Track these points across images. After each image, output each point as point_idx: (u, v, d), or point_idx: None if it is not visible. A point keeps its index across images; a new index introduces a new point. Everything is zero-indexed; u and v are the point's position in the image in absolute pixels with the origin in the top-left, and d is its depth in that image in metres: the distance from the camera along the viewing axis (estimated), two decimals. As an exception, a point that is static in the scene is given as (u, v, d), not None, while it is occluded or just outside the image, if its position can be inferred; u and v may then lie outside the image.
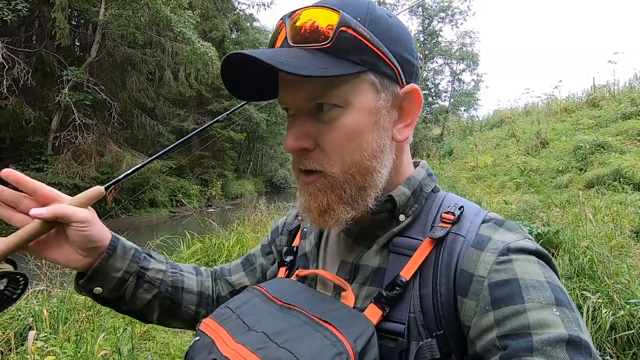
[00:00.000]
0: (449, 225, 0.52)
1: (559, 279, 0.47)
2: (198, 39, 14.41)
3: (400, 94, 0.52)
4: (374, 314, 0.49)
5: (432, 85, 25.77)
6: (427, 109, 24.73)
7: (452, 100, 25.21)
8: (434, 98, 25.87)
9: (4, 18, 10.56)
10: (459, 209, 0.54)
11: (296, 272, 0.62)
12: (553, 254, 3.47)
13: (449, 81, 25.79)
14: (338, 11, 0.47)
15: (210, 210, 16.85)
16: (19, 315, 3.11)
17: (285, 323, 0.47)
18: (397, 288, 0.49)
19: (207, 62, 14.76)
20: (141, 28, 14.14)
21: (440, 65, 25.55)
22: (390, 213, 0.55)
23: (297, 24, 0.49)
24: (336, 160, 0.50)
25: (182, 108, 20.58)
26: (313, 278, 0.61)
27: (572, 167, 7.81)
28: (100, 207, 14.66)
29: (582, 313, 2.50)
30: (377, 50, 0.48)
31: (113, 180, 0.65)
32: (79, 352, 2.55)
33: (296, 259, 0.66)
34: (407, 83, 0.53)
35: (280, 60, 0.44)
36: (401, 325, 0.48)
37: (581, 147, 8.03)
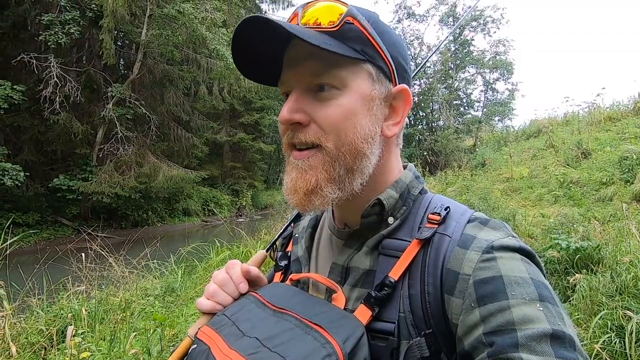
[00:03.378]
0: (436, 226, 0.53)
1: (544, 275, 0.47)
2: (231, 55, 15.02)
3: (393, 91, 0.56)
4: (363, 314, 0.50)
5: (464, 95, 25.15)
6: (459, 119, 24.09)
7: (485, 110, 24.44)
8: (466, 108, 25.20)
9: (59, 41, 11.60)
10: (445, 209, 0.55)
11: (290, 277, 0.64)
12: (593, 270, 3.26)
13: (481, 91, 25.04)
14: (347, 4, 0.52)
15: (240, 219, 17.25)
16: (62, 314, 3.32)
17: (278, 327, 0.48)
18: (386, 288, 0.50)
19: (239, 76, 15.33)
20: (179, 46, 14.99)
21: (473, 75, 24.92)
22: (379, 216, 0.56)
23: (309, 11, 0.53)
24: (331, 135, 0.52)
25: (215, 121, 21.42)
26: (305, 281, 0.62)
27: (616, 179, 7.31)
28: (138, 215, 15.44)
29: (624, 334, 2.32)
30: (376, 46, 0.53)
31: (270, 243, 0.76)
32: (113, 350, 2.69)
33: (290, 263, 0.68)
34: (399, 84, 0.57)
35: (292, 28, 0.48)
36: (391, 324, 0.49)
37: (627, 157, 7.51)
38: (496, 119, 24.18)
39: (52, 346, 2.93)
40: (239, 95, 18.28)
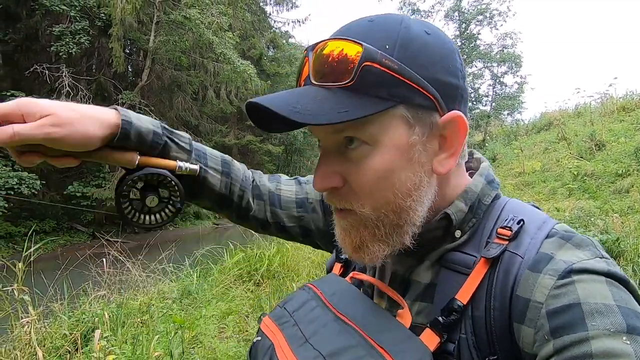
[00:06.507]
0: (505, 242, 0.46)
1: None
2: (238, 58, 15.16)
3: (440, 123, 0.47)
4: (431, 340, 0.45)
5: (472, 90, 24.90)
6: (468, 114, 23.84)
7: (494, 104, 24.17)
8: (475, 103, 24.94)
9: (70, 51, 11.83)
10: (518, 222, 0.47)
11: (351, 274, 0.60)
12: (613, 264, 3.21)
13: (489, 85, 24.78)
14: (361, 44, 0.42)
15: (251, 221, 17.31)
16: (84, 318, 3.40)
17: (340, 341, 0.47)
18: (455, 313, 0.46)
19: (246, 79, 15.46)
20: (186, 51, 15.16)
21: (480, 69, 24.67)
22: (445, 229, 0.50)
23: (319, 59, 0.45)
24: (366, 200, 0.47)
25: (223, 124, 21.59)
26: (369, 285, 0.59)
27: (633, 170, 7.16)
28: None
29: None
30: (407, 81, 0.43)
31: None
32: (136, 353, 2.74)
33: None
34: (450, 109, 0.47)
35: (295, 108, 0.42)
36: (451, 344, 0.46)
37: (643, 148, 7.36)
38: (505, 113, 23.90)
39: (76, 350, 3.00)
40: (246, 97, 18.38)
